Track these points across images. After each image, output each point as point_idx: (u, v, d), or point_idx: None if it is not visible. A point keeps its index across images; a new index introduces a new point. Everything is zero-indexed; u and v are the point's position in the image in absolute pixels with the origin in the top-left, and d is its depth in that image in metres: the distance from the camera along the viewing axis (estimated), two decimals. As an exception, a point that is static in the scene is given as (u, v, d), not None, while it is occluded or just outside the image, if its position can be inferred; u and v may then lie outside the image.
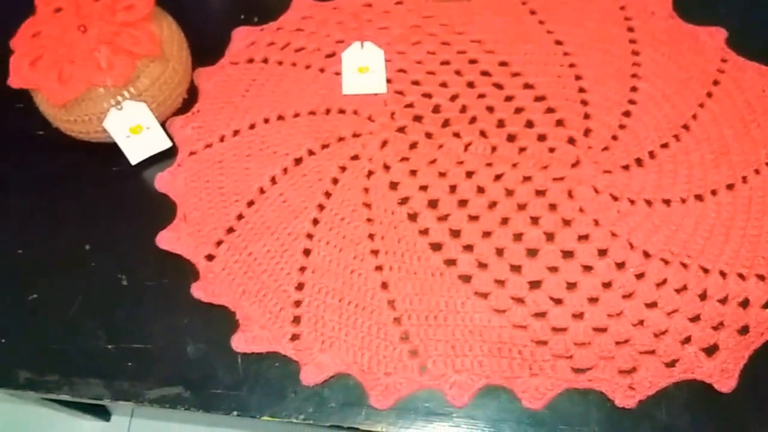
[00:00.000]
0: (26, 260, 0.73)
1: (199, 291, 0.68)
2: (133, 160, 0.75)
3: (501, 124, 0.77)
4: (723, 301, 0.65)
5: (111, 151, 0.75)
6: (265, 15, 0.87)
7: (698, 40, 0.81)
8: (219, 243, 0.71)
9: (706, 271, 0.67)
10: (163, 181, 0.75)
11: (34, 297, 0.71)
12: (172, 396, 0.64)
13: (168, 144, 0.76)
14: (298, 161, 0.75)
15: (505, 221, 0.71)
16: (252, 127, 0.78)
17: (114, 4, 0.73)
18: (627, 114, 0.77)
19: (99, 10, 0.73)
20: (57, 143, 0.78)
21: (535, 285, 0.67)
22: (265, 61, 0.83)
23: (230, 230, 0.71)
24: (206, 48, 0.83)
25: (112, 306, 0.69)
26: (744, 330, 0.64)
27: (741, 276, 0.66)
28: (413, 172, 0.74)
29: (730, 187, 0.72)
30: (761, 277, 0.66)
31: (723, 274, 0.67)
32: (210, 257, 0.70)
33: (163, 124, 0.77)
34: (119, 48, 0.71)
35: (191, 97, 0.80)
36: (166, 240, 0.71)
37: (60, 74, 0.70)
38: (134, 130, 0.74)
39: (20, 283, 0.71)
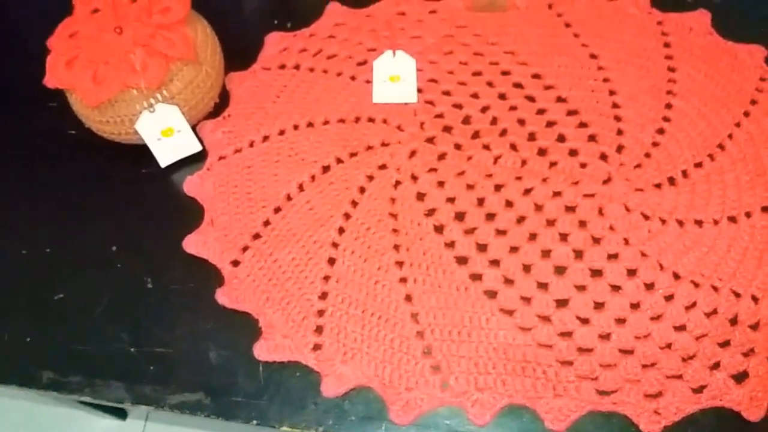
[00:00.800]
0: (54, 259, 0.74)
1: (223, 297, 0.68)
2: (163, 162, 0.76)
3: (532, 137, 0.76)
4: (755, 327, 0.64)
5: (141, 152, 0.76)
6: (298, 21, 0.87)
7: (736, 57, 0.80)
8: (245, 249, 0.71)
9: (737, 295, 0.65)
10: (191, 184, 0.75)
11: (60, 297, 0.71)
12: (192, 402, 0.64)
13: (198, 148, 0.77)
14: (325, 169, 0.75)
15: (533, 237, 0.70)
16: (281, 133, 0.78)
17: (150, 7, 0.74)
18: (661, 131, 0.75)
19: (135, 12, 0.73)
20: (88, 143, 0.78)
21: (561, 303, 0.66)
22: (297, 67, 0.83)
23: (256, 236, 0.71)
24: (239, 53, 0.83)
25: (137, 308, 0.70)
26: (775, 357, 0.62)
27: (774, 302, 0.65)
28: (441, 184, 0.74)
29: (765, 209, 0.70)
30: (795, 304, 0.65)
31: (755, 299, 0.65)
32: (235, 263, 0.70)
33: (194, 128, 0.77)
34: (154, 50, 0.71)
35: (222, 101, 0.81)
36: (192, 244, 0.71)
37: (95, 75, 0.71)
38: (165, 133, 0.74)
39: (47, 282, 0.72)
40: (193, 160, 0.77)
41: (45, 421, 1.27)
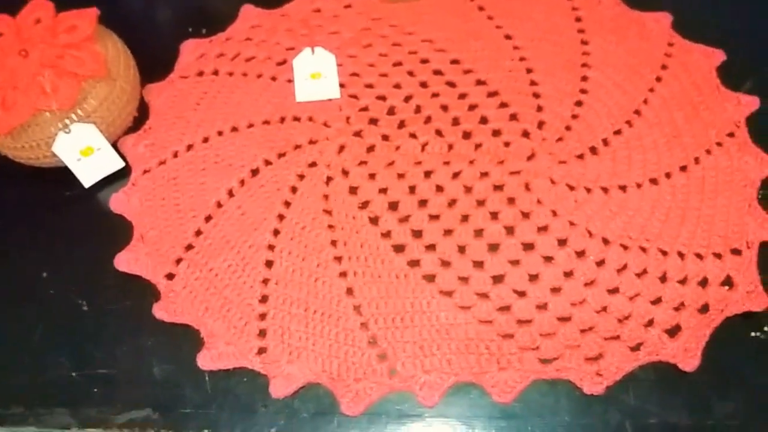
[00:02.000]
0: (-18, 292, 0.71)
1: (161, 311, 0.67)
2: (86, 182, 0.74)
3: (456, 122, 0.77)
4: (683, 281, 0.66)
5: (63, 175, 0.74)
6: (213, 26, 0.86)
7: (645, 25, 0.83)
8: (178, 261, 0.70)
9: (664, 253, 0.68)
10: (117, 201, 0.74)
11: (-8, 329, 0.69)
12: (140, 419, 0.63)
13: (120, 164, 0.75)
14: (254, 172, 0.75)
15: (465, 218, 0.71)
16: (206, 140, 0.77)
17: (55, 26, 0.72)
18: (579, 104, 0.77)
19: (40, 33, 0.71)
20: (5, 171, 0.76)
21: (498, 279, 0.67)
22: (216, 72, 0.82)
23: (189, 247, 0.71)
24: (155, 64, 0.82)
25: (75, 333, 0.68)
26: (704, 309, 0.65)
27: (698, 256, 0.67)
28: (372, 176, 0.74)
29: (683, 168, 0.73)
30: (718, 256, 0.67)
31: (681, 255, 0.68)
32: (170, 276, 0.69)
33: (114, 144, 0.76)
34: (63, 71, 0.70)
35: (142, 114, 0.79)
36: (124, 261, 0.70)
37: (3, 101, 0.69)
38: (85, 153, 0.72)
39: (-23, 316, 0.70)
40: (118, 177, 0.75)
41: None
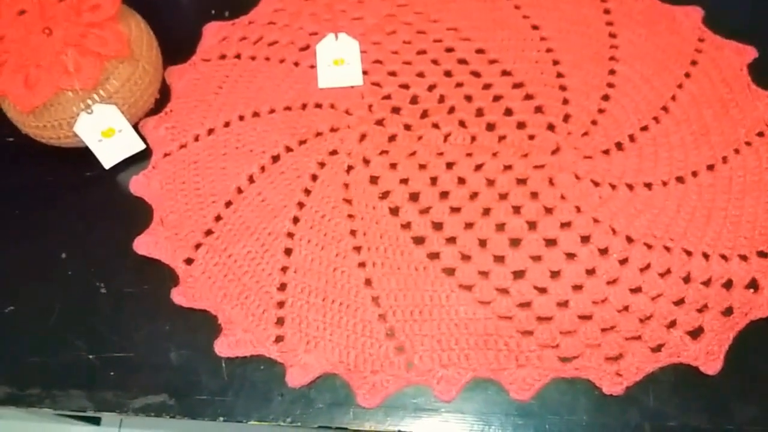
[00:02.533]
0: (1, 271, 0.71)
1: (179, 296, 0.67)
2: (107, 164, 0.74)
3: (480, 113, 0.76)
4: (707, 283, 0.65)
5: (83, 155, 0.73)
6: (236, 9, 0.85)
7: (675, 19, 0.81)
8: (198, 246, 0.69)
9: (689, 253, 0.67)
10: (137, 184, 0.73)
11: (10, 309, 0.69)
12: (156, 404, 0.63)
13: (141, 146, 0.75)
14: (275, 158, 0.74)
15: (487, 212, 0.70)
16: (227, 125, 0.77)
17: (79, 5, 0.71)
18: (606, 98, 0.76)
19: (64, 12, 0.71)
20: (27, 150, 0.76)
21: (518, 275, 0.66)
22: (238, 56, 0.81)
23: (209, 232, 0.70)
24: (177, 46, 0.81)
25: (92, 315, 0.68)
26: (728, 311, 0.64)
27: (724, 257, 0.66)
28: (393, 166, 0.73)
29: (710, 168, 0.71)
30: (744, 258, 0.66)
31: (706, 255, 0.67)
32: (189, 261, 0.69)
33: (135, 126, 0.75)
34: (86, 50, 0.69)
35: (163, 96, 0.79)
36: (143, 245, 0.70)
37: (26, 79, 0.68)
38: (106, 134, 0.72)
39: (-4, 295, 0.70)
40: (138, 159, 0.75)
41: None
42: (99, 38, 0.70)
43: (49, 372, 0.66)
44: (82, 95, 0.70)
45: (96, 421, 1.25)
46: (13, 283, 0.70)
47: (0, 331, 0.68)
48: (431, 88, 0.78)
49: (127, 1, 0.74)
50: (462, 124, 0.75)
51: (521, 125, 0.75)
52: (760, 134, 0.73)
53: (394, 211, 0.71)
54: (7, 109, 0.73)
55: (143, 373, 0.65)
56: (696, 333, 0.63)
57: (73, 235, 0.72)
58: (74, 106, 0.70)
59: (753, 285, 0.65)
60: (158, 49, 0.78)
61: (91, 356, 0.66)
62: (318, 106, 0.78)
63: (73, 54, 0.68)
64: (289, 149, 0.75)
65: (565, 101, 0.76)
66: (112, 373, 0.65)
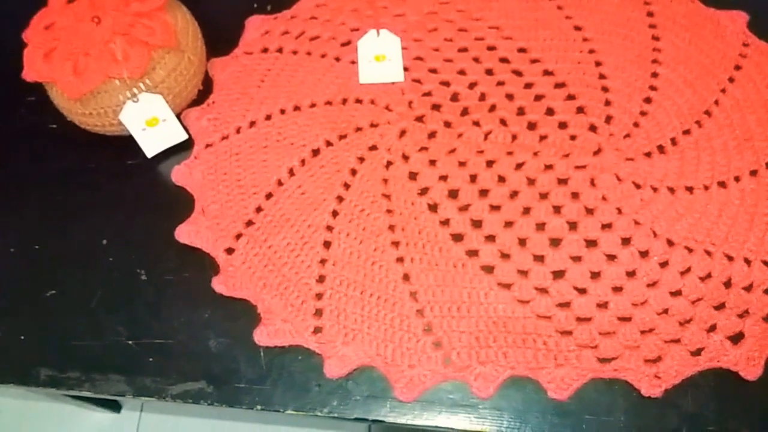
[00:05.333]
0: (43, 256, 0.72)
1: (219, 285, 0.67)
2: (149, 153, 0.75)
3: (521, 111, 0.76)
4: (748, 288, 0.65)
5: (127, 144, 0.74)
6: (278, 3, 0.86)
7: (719, 24, 0.80)
8: (238, 236, 0.70)
9: (730, 258, 0.66)
10: (179, 173, 0.74)
11: (52, 293, 0.70)
12: (195, 391, 0.64)
13: (184, 136, 0.75)
14: (315, 152, 0.75)
15: (527, 211, 0.70)
16: (268, 118, 0.77)
17: (127, -5, 0.72)
18: (648, 100, 0.76)
19: (112, 1, 0.72)
20: (71, 137, 0.77)
21: (558, 275, 0.66)
22: (280, 50, 0.82)
23: (249, 223, 0.71)
24: (220, 38, 0.82)
25: (132, 301, 0.69)
26: (770, 318, 0.63)
27: (766, 263, 0.66)
28: (432, 162, 0.73)
29: (753, 173, 0.71)
30: (787, 265, 0.66)
31: (747, 261, 0.66)
32: (230, 250, 0.69)
33: (178, 116, 0.76)
34: (134, 39, 0.70)
35: (206, 88, 0.80)
36: (185, 233, 0.70)
37: (75, 67, 0.69)
38: (150, 123, 0.73)
39: (38, 279, 0.71)
40: (180, 149, 0.76)
41: (39, 418, 1.26)
42: (147, 28, 0.71)
43: (89, 356, 0.67)
44: (129, 84, 0.71)
45: (117, 408, 1.27)
46: (54, 268, 0.72)
47: (41, 315, 0.69)
48: (472, 85, 0.78)
49: (173, -8, 0.75)
50: (503, 122, 0.75)
51: (563, 125, 0.74)
52: (805, 141, 0.72)
53: (433, 207, 0.71)
54: (54, 96, 0.74)
55: (182, 360, 0.65)
56: (736, 338, 0.63)
57: (115, 223, 0.73)
58: (120, 94, 0.71)
59: (795, 292, 0.64)
60: (203, 41, 0.79)
61: (130, 342, 0.67)
62: (358, 101, 0.78)
63: (121, 43, 0.69)
64: (329, 143, 0.75)
65: (608, 102, 0.76)
66: (151, 359, 0.66)
